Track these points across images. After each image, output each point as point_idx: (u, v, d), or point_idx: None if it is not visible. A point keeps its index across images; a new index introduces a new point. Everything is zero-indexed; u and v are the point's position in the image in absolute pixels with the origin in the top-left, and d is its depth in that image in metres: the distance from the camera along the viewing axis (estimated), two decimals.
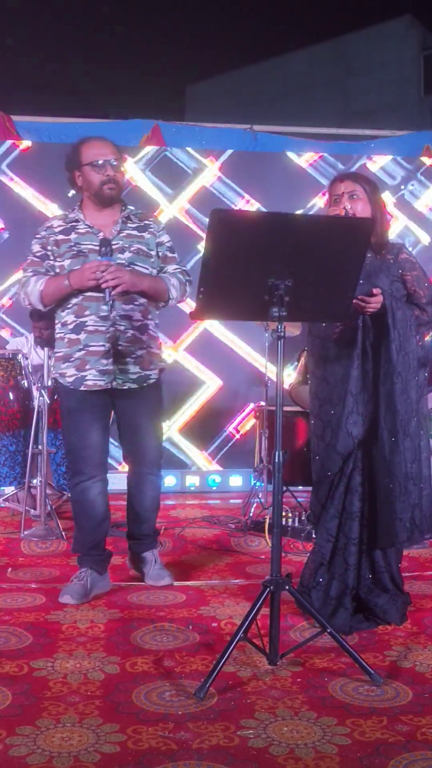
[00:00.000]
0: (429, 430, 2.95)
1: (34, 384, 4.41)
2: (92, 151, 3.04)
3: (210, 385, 5.83)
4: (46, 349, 4.24)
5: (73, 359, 3.04)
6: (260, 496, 4.68)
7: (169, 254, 3.19)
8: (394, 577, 2.91)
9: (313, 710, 2.12)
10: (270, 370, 4.72)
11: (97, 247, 2.99)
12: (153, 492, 3.25)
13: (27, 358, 4.52)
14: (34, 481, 4.33)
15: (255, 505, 4.58)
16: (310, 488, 4.76)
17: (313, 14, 20.11)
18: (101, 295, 2.96)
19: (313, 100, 19.41)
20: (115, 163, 3.04)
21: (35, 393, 4.34)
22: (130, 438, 3.18)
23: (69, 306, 3.05)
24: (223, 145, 6.37)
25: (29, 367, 4.52)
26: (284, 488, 4.69)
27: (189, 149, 6.15)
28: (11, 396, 4.34)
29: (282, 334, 2.40)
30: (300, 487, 4.80)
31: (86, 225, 3.07)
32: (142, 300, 3.07)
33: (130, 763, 1.82)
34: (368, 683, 2.29)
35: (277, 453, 2.40)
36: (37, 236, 3.12)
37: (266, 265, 2.36)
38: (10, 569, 3.54)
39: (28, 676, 2.32)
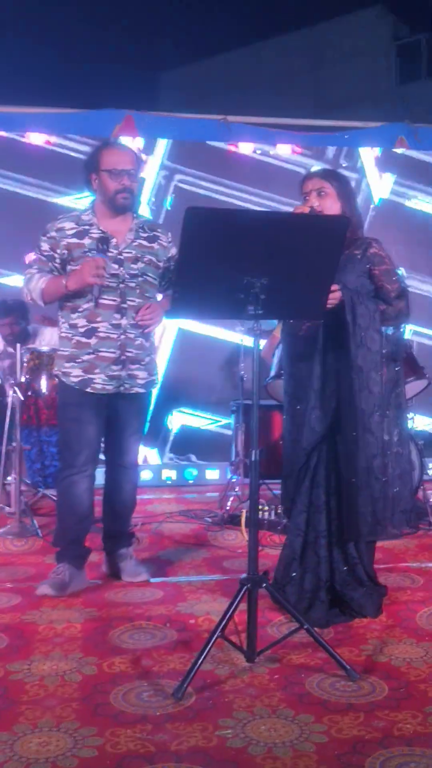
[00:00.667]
0: (404, 421, 2.96)
1: (7, 381, 4.37)
2: (112, 158, 3.04)
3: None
4: (18, 345, 4.20)
5: (80, 360, 3.06)
6: (237, 489, 4.69)
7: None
8: (367, 569, 2.93)
9: (291, 708, 2.13)
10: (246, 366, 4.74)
11: (111, 253, 3.01)
12: (130, 486, 3.28)
13: None
14: (9, 478, 4.30)
15: (232, 498, 4.59)
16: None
17: (284, 2, 19.99)
18: (114, 302, 3.03)
19: (286, 89, 19.35)
20: (133, 172, 3.05)
21: (8, 390, 4.30)
22: (116, 434, 3.20)
23: (80, 310, 3.06)
24: (196, 136, 6.36)
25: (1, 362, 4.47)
26: (260, 481, 4.72)
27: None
28: None
29: (258, 331, 2.39)
30: (276, 480, 4.82)
31: (100, 230, 3.07)
32: None
33: (109, 767, 1.82)
34: (345, 678, 2.31)
35: (253, 451, 2.40)
36: (47, 236, 3.09)
37: (241, 264, 2.35)
38: None
39: (4, 679, 2.31)
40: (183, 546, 3.94)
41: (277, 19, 19.65)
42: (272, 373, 4.44)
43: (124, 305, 3.05)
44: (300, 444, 2.80)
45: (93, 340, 3.04)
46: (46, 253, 3.09)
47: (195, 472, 5.70)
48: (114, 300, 3.04)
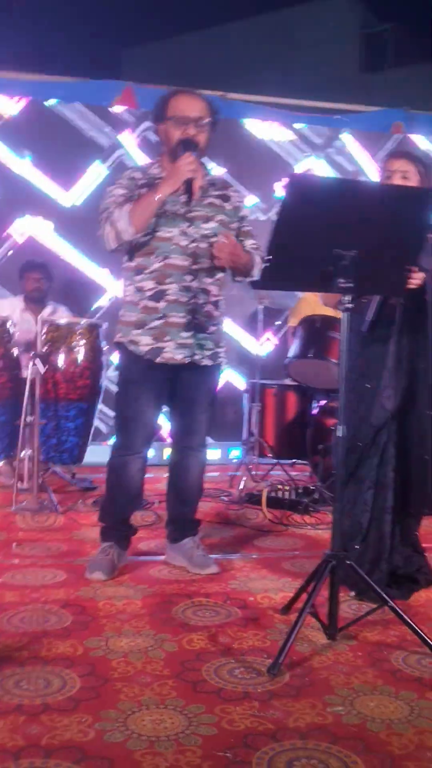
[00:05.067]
0: None
1: (24, 353, 4.23)
2: (179, 105, 2.80)
3: None
4: (39, 317, 4.06)
5: (149, 327, 2.88)
6: (251, 468, 4.66)
7: (248, 228, 3.03)
8: (415, 543, 2.98)
9: (389, 685, 2.11)
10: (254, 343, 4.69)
11: (179, 209, 2.83)
12: (198, 470, 3.10)
13: (16, 325, 4.30)
14: (22, 453, 4.16)
15: (245, 477, 4.54)
16: (299, 461, 4.79)
17: None
18: (185, 263, 2.83)
19: (254, 71, 19.23)
20: (202, 122, 2.79)
21: (24, 362, 4.16)
22: (184, 412, 3.02)
23: (147, 271, 2.87)
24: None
25: (17, 334, 4.30)
26: (276, 461, 4.71)
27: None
28: (0, 365, 4.14)
29: (350, 305, 2.35)
30: (290, 461, 4.82)
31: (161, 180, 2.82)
32: (220, 274, 2.95)
33: (235, 745, 1.77)
34: (428, 655, 2.30)
35: (340, 427, 2.36)
36: (119, 182, 2.89)
37: (333, 235, 2.30)
38: (15, 544, 3.40)
39: (85, 656, 2.23)
40: (208, 524, 3.88)
41: (246, 1, 19.40)
42: (293, 353, 4.41)
43: (195, 266, 2.85)
44: (368, 421, 2.78)
45: (162, 304, 2.85)
46: (124, 195, 2.83)
47: None
48: (185, 260, 2.84)
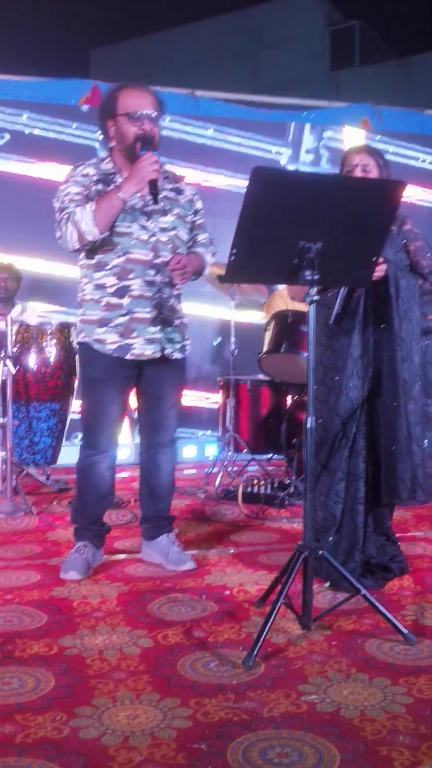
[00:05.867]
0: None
1: None
2: (130, 100, 2.77)
3: None
4: (9, 316, 4.03)
5: (114, 324, 2.85)
6: (226, 464, 4.66)
7: (201, 221, 3.05)
8: (388, 533, 3.02)
9: (363, 672, 2.13)
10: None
11: (137, 204, 2.82)
12: (170, 467, 3.09)
13: None
14: None
15: (222, 473, 4.54)
16: (276, 456, 4.80)
17: None
18: (147, 258, 2.82)
19: (223, 70, 19.25)
20: (154, 116, 2.79)
21: None
22: (152, 407, 3.01)
23: (108, 267, 2.84)
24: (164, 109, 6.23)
25: None
26: (251, 457, 4.71)
27: None
28: None
29: (316, 298, 2.36)
30: (266, 456, 4.82)
31: (124, 179, 2.81)
32: None
33: (209, 737, 1.77)
34: (402, 642, 2.32)
35: (309, 418, 2.38)
36: (73, 179, 2.83)
37: (299, 227, 2.31)
38: None
39: (60, 655, 2.22)
40: (184, 521, 3.88)
41: (213, 0, 19.40)
42: (265, 348, 4.41)
43: (158, 261, 2.84)
44: (336, 412, 2.80)
45: (126, 300, 2.83)
46: (81, 193, 2.79)
47: None
48: (147, 255, 2.83)
